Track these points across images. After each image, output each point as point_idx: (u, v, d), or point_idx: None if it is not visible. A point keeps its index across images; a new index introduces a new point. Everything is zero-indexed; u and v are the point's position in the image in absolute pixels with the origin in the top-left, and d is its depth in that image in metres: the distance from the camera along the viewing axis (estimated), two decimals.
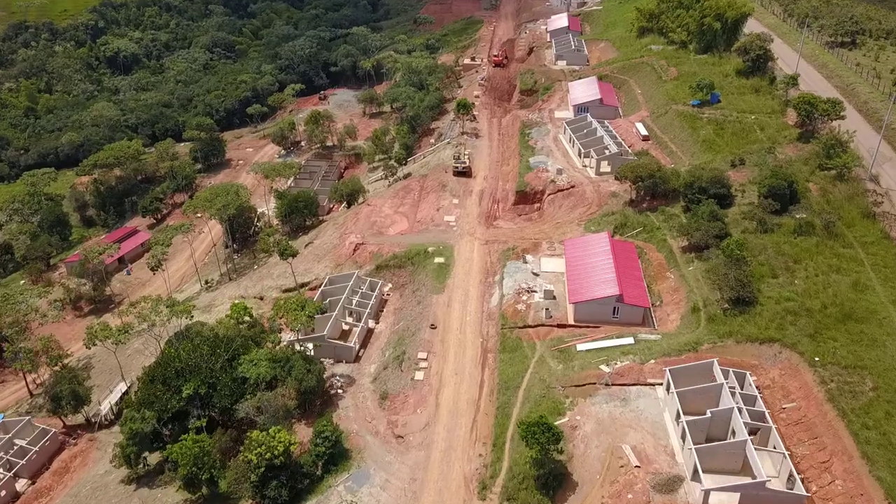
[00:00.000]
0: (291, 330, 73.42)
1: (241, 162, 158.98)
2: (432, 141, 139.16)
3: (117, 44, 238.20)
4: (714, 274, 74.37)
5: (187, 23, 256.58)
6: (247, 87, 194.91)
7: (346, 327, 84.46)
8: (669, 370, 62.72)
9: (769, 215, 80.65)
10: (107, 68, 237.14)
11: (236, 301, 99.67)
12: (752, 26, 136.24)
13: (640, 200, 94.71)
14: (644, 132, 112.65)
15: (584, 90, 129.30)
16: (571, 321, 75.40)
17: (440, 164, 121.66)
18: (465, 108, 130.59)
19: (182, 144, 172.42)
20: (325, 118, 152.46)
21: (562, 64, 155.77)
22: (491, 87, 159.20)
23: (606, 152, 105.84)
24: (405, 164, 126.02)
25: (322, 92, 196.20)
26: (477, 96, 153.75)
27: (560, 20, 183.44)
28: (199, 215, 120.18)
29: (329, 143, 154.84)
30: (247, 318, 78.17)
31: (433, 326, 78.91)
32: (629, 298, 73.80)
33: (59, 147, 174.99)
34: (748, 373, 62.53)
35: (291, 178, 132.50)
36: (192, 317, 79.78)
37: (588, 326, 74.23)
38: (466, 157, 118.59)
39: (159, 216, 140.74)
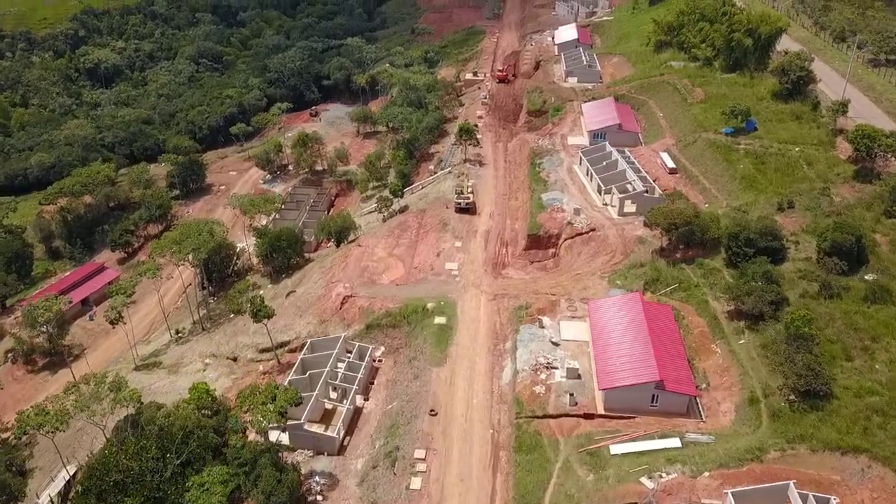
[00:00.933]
0: (257, 431, 60.29)
1: (222, 187, 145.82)
2: (431, 167, 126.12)
3: (98, 54, 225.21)
4: (773, 353, 61.53)
5: (173, 32, 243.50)
6: (232, 102, 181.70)
7: (329, 406, 71.25)
8: (732, 493, 49.65)
9: (834, 276, 67.70)
10: (87, 80, 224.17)
11: (201, 367, 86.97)
12: (782, 41, 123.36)
13: (673, 249, 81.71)
14: (671, 164, 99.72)
15: (600, 113, 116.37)
16: (601, 410, 62.31)
17: (440, 197, 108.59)
18: (467, 133, 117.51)
19: (162, 165, 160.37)
20: (314, 141, 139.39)
21: (572, 81, 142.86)
22: (495, 106, 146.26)
23: (630, 189, 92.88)
24: (401, 197, 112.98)
25: (313, 107, 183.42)
26: (480, 117, 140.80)
27: (568, 32, 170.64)
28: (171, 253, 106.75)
29: (319, 168, 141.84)
30: (209, 402, 64.88)
31: (433, 413, 65.78)
32: (671, 384, 60.73)
33: (28, 168, 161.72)
34: (833, 497, 49.43)
35: (274, 213, 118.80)
36: (142, 404, 66.41)
37: (621, 417, 61.20)
38: (469, 190, 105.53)
39: (130, 250, 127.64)
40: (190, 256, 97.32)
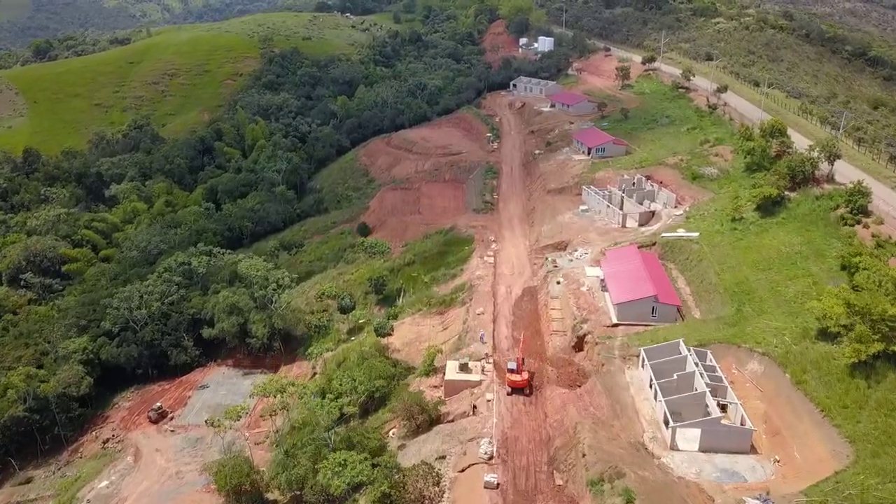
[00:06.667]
0: None
1: None
2: None
3: None
4: None
5: (4, 218, 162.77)
6: (22, 390, 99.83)
7: None
8: None
9: None
10: None
11: None
12: None
13: None
14: None
15: None
16: None
17: None
18: None
19: None
20: None
21: (690, 444, 64.35)
22: (516, 492, 66.08)
23: None
24: None
25: (157, 405, 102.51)
26: None
27: (628, 270, 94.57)
28: None
29: None
30: None
31: None
32: None
33: None
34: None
35: None
36: None
37: None
38: None
39: None
40: None
